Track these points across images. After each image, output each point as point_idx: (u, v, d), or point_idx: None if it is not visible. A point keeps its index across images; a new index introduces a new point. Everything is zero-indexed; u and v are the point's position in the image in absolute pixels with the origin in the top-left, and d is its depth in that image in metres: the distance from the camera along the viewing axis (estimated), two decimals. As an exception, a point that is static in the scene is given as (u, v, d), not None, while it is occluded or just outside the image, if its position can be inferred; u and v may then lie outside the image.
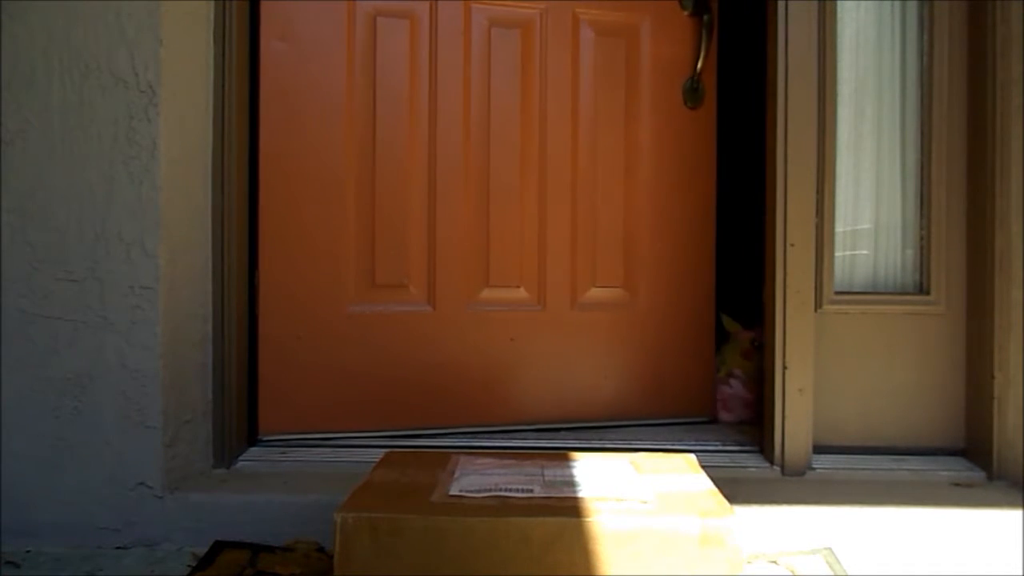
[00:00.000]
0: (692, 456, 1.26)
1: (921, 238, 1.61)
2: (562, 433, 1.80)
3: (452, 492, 1.05)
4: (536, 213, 1.82)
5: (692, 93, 1.89)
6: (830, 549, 1.29)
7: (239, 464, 1.53)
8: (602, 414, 1.86)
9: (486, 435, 1.75)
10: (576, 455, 1.25)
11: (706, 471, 1.18)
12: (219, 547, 1.28)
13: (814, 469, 1.52)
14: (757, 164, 1.80)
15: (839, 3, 1.59)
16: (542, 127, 1.82)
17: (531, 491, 1.06)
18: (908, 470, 1.51)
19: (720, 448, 1.67)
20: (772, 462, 1.53)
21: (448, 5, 1.75)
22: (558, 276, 1.83)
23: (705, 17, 1.85)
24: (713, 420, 1.93)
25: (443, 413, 1.77)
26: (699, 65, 1.87)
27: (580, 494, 1.06)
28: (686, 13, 1.86)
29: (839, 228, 1.61)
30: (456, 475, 1.12)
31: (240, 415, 1.56)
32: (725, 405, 1.94)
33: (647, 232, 1.88)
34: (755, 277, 2.07)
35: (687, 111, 1.90)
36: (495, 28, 1.78)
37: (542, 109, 1.81)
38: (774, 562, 1.25)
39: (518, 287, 1.82)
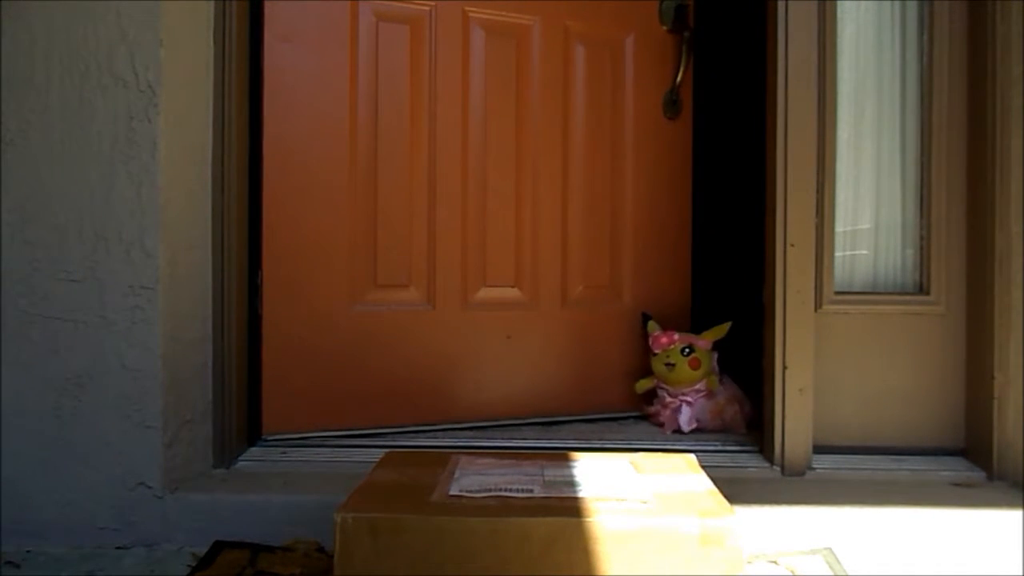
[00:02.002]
0: (692, 456, 1.26)
1: (921, 238, 1.61)
2: (559, 429, 1.81)
3: (452, 492, 1.05)
4: (530, 215, 1.85)
5: (671, 105, 1.97)
6: (830, 549, 1.29)
7: (239, 464, 1.53)
8: (594, 408, 1.91)
9: (486, 433, 1.76)
10: (576, 455, 1.25)
11: (706, 471, 1.18)
12: (219, 547, 1.28)
13: (814, 469, 1.52)
14: (733, 174, 1.81)
15: (839, 3, 1.59)
16: (535, 133, 1.84)
17: (531, 491, 1.06)
18: (908, 470, 1.51)
19: (720, 448, 1.67)
20: (772, 462, 1.53)
21: (447, 13, 1.76)
22: (550, 276, 1.87)
23: (685, 34, 1.93)
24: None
25: (443, 409, 1.78)
26: (678, 78, 1.95)
27: (580, 494, 1.06)
28: (666, 29, 1.93)
29: (839, 228, 1.61)
30: (456, 475, 1.12)
31: (240, 415, 1.56)
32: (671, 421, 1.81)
33: (630, 234, 1.95)
34: (732, 279, 2.08)
35: (666, 122, 1.97)
36: (492, 37, 1.81)
37: (535, 117, 1.84)
38: (774, 562, 1.25)
39: (513, 287, 1.85)
